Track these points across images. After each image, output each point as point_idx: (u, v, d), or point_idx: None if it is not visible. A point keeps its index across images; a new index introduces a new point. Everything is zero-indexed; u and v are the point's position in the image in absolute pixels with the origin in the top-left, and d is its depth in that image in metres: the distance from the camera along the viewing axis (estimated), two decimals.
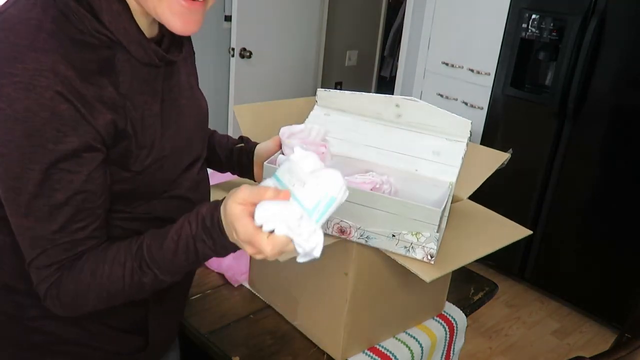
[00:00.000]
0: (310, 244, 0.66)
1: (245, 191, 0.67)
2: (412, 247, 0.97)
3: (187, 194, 0.89)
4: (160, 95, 0.81)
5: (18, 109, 0.66)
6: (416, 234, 0.96)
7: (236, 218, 0.67)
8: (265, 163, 1.00)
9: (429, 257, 0.97)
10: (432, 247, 0.96)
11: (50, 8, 0.70)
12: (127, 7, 0.74)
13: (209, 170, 1.07)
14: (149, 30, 0.79)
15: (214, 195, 0.99)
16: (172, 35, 0.84)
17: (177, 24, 0.75)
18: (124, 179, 0.78)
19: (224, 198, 0.71)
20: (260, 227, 0.66)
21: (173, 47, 0.84)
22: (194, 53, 0.99)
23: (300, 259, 0.69)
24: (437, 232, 0.94)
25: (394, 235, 0.97)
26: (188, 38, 0.92)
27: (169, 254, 0.74)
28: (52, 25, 0.69)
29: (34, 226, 0.72)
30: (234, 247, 0.73)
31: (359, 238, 1.00)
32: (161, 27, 0.82)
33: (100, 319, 0.87)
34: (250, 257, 1.29)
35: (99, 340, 0.88)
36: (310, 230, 0.66)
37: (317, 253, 0.67)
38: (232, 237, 0.70)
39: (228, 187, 1.18)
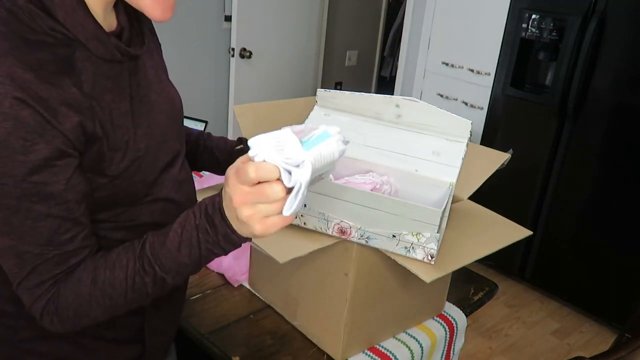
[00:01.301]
0: (297, 170, 0.62)
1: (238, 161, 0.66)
2: (413, 247, 0.97)
3: (171, 195, 0.85)
4: (128, 92, 0.77)
5: None
6: (416, 235, 0.96)
7: (229, 168, 0.65)
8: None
9: (430, 258, 0.97)
10: (433, 247, 0.96)
11: None
12: (81, 1, 0.69)
13: (206, 173, 1.05)
14: (106, 24, 0.74)
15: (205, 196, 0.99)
16: (132, 27, 0.80)
17: (158, 11, 0.72)
18: (101, 186, 0.74)
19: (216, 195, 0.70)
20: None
21: (134, 40, 0.80)
22: (160, 45, 0.94)
23: (285, 207, 0.64)
24: (438, 232, 0.94)
25: (394, 236, 0.97)
26: (151, 30, 0.88)
27: (172, 250, 0.71)
28: (0, 27, 0.64)
29: (17, 244, 0.68)
30: (237, 236, 0.69)
31: (359, 238, 1.00)
32: (119, 19, 0.78)
33: (96, 333, 0.84)
34: (250, 257, 1.30)
35: (95, 356, 0.86)
36: (298, 158, 0.63)
37: (304, 181, 0.62)
38: (228, 210, 0.67)
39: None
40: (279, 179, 0.62)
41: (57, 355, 0.83)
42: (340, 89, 3.13)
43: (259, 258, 1.27)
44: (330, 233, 1.01)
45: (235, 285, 1.32)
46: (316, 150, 0.65)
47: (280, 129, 1.03)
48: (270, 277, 1.25)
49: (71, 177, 0.68)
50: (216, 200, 0.69)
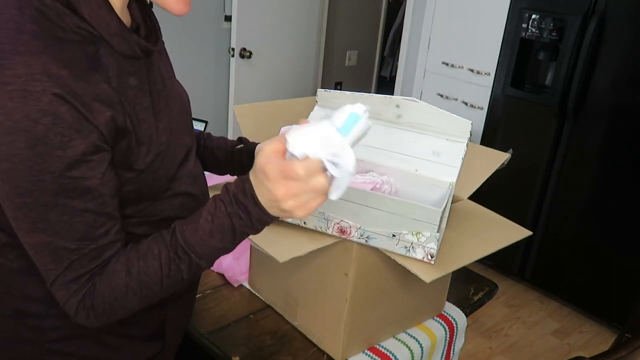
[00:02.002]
0: (342, 159, 0.68)
1: (269, 145, 0.71)
2: (413, 247, 0.97)
3: (189, 189, 0.87)
4: (147, 88, 0.78)
5: (17, 118, 0.62)
6: (416, 234, 0.96)
7: (265, 162, 0.68)
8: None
9: (429, 257, 0.97)
10: (433, 247, 0.96)
11: (26, 8, 0.65)
12: None
13: (206, 173, 1.06)
14: (124, 21, 0.75)
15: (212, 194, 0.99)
16: (146, 24, 0.82)
17: (180, 6, 0.74)
18: (129, 180, 0.75)
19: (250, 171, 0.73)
20: (291, 156, 0.69)
21: (150, 36, 0.81)
22: (164, 42, 0.95)
23: (333, 193, 0.69)
24: (438, 232, 0.94)
25: (394, 235, 0.97)
26: (158, 27, 0.89)
27: (204, 236, 0.73)
28: (33, 26, 0.65)
29: (54, 240, 0.69)
30: (270, 218, 0.73)
31: (359, 238, 1.00)
32: (133, 16, 0.80)
33: (121, 331, 0.85)
34: (250, 257, 1.30)
35: (120, 354, 0.87)
36: (339, 145, 0.68)
37: (351, 168, 0.68)
38: (265, 199, 0.70)
39: None
40: (324, 171, 0.68)
41: (82, 355, 0.84)
42: (340, 89, 3.13)
43: (259, 258, 1.27)
44: (330, 232, 1.01)
45: (235, 285, 1.32)
46: (353, 135, 0.70)
47: (280, 128, 1.04)
48: (270, 277, 1.25)
49: (105, 171, 0.70)
50: (246, 188, 0.71)
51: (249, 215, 0.72)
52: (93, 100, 0.67)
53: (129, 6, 0.79)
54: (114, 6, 0.72)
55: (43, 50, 0.64)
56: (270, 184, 0.68)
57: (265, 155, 0.70)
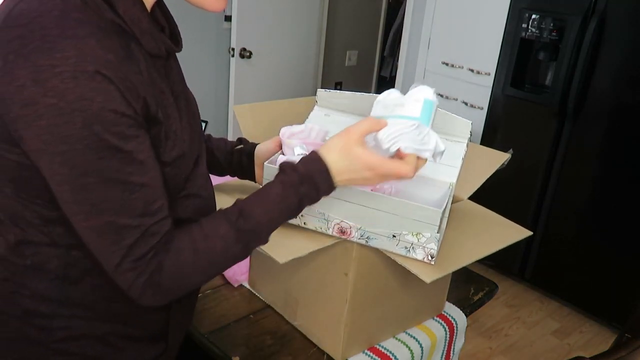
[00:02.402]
0: (431, 145, 0.83)
1: (356, 130, 0.83)
2: (413, 247, 0.97)
3: (200, 191, 0.88)
4: (170, 87, 0.80)
5: (71, 99, 0.63)
6: (417, 235, 0.96)
7: (370, 156, 0.82)
8: (265, 163, 1.00)
9: (430, 258, 0.97)
10: (433, 247, 0.96)
11: None
12: None
13: None
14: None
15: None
16: (170, 26, 0.84)
17: (218, 3, 0.78)
18: None
19: (312, 154, 0.83)
20: (386, 152, 0.83)
21: (172, 39, 0.83)
22: None
23: (434, 158, 0.86)
24: (438, 232, 0.94)
25: (394, 236, 0.97)
26: (179, 32, 0.91)
27: (273, 216, 0.80)
28: (77, 14, 0.66)
29: (115, 219, 0.69)
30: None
31: (359, 238, 1.00)
32: (158, 18, 0.82)
33: (126, 332, 0.85)
34: (250, 257, 1.30)
35: (124, 355, 0.87)
36: (426, 133, 0.83)
37: (442, 147, 0.85)
38: (351, 181, 0.84)
39: (228, 188, 1.18)
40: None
41: (87, 355, 0.83)
42: (340, 89, 3.13)
43: (259, 258, 1.27)
44: (330, 233, 1.01)
45: (235, 285, 1.32)
46: (432, 119, 0.84)
47: (280, 129, 1.06)
48: (271, 277, 1.25)
49: (150, 148, 0.72)
50: (323, 170, 0.82)
51: (318, 193, 0.82)
52: (133, 85, 0.68)
53: (153, 9, 0.81)
54: (146, 4, 0.74)
55: (89, 35, 0.65)
56: (372, 175, 0.83)
57: (358, 150, 0.82)
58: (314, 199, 0.83)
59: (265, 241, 0.83)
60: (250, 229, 0.78)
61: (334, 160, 0.82)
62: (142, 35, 0.72)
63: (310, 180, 0.81)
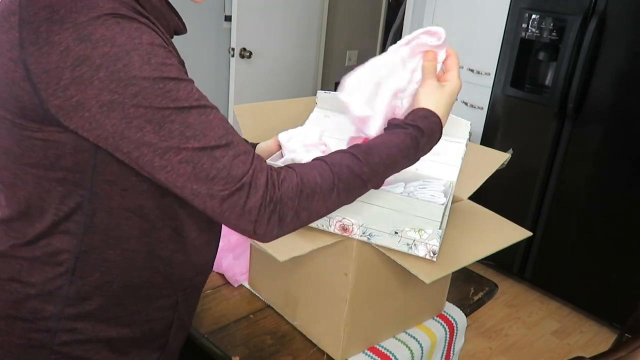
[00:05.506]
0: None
1: (429, 74, 0.97)
2: (415, 244, 0.97)
3: None
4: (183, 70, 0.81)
5: (122, 42, 0.63)
6: (419, 231, 0.96)
7: (452, 88, 0.97)
8: (267, 161, 1.00)
9: (432, 254, 0.97)
10: (435, 243, 0.96)
11: None
12: None
13: None
14: None
15: None
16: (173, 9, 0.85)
17: None
18: None
19: (422, 111, 0.91)
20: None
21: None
22: None
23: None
24: (440, 228, 0.94)
25: (396, 232, 0.97)
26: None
27: (396, 166, 0.86)
28: None
29: (206, 143, 0.68)
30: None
31: (361, 235, 1.00)
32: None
33: (130, 335, 0.84)
34: (250, 257, 1.30)
35: (127, 358, 0.86)
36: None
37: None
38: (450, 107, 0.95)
39: None
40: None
41: (90, 359, 0.82)
42: None
43: (259, 258, 1.27)
44: (332, 230, 1.01)
45: (235, 285, 1.32)
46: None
47: (279, 132, 1.05)
48: (270, 277, 1.25)
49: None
50: (435, 121, 0.90)
51: (431, 144, 0.90)
52: (167, 40, 0.71)
53: None
54: None
55: (123, 4, 0.67)
56: (455, 94, 0.97)
57: (440, 82, 0.96)
58: (427, 151, 0.91)
59: (379, 186, 0.87)
60: (373, 168, 0.82)
61: (442, 113, 0.92)
62: (155, 13, 0.74)
63: (431, 135, 0.89)
